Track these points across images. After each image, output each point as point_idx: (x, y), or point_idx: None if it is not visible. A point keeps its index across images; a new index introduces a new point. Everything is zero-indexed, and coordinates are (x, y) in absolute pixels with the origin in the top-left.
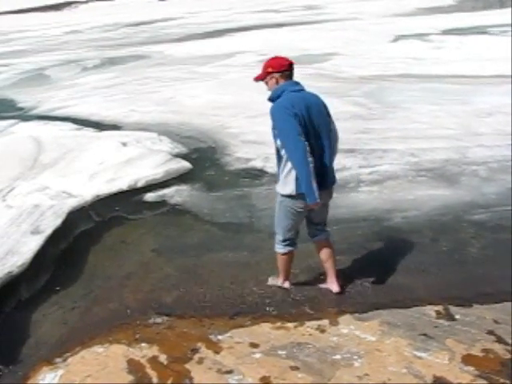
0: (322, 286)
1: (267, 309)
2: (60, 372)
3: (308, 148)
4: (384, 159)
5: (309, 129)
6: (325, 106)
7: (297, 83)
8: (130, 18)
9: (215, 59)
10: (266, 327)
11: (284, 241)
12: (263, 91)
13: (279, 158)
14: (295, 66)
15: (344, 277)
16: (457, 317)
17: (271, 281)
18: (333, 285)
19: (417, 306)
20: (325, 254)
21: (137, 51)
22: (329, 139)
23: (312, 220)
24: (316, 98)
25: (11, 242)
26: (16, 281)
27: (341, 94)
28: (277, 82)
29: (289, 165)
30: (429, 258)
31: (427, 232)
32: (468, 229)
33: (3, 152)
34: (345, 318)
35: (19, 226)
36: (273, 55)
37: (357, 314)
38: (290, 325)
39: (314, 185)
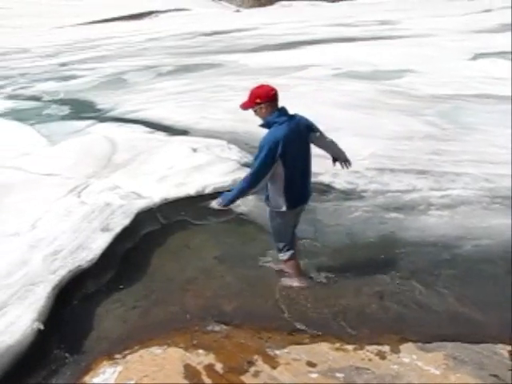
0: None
1: (327, 328)
2: (119, 368)
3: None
4: (457, 183)
5: (292, 154)
6: (307, 128)
7: (283, 114)
8: (206, 28)
9: (287, 71)
10: (324, 347)
11: (284, 247)
12: (333, 106)
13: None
14: (366, 82)
15: (407, 303)
16: None
17: (288, 282)
18: (294, 281)
19: (486, 342)
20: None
21: (211, 59)
22: (310, 159)
23: None
24: (297, 125)
25: (82, 237)
26: (84, 275)
27: (414, 113)
28: (266, 111)
29: (277, 185)
30: (502, 291)
31: (501, 263)
32: None
33: (81, 150)
34: (407, 346)
35: (91, 223)
36: (347, 69)
37: (420, 344)
38: (349, 347)
39: (235, 200)
